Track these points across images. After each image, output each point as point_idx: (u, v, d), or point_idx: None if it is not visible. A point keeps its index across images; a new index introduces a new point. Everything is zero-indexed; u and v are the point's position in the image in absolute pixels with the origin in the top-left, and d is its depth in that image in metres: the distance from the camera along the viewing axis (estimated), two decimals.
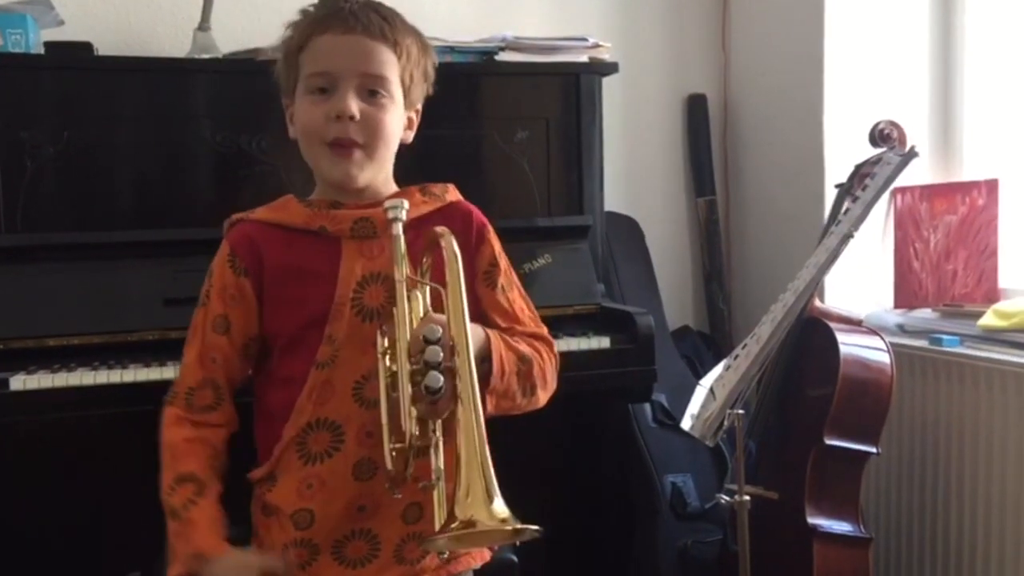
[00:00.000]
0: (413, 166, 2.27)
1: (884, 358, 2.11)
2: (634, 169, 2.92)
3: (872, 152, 2.23)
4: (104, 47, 2.30)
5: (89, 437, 1.98)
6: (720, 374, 1.93)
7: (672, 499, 2.44)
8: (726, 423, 1.84)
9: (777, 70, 2.78)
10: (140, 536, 1.98)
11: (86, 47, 2.18)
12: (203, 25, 2.32)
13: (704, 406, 1.91)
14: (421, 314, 1.29)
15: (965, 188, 2.42)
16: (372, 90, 1.37)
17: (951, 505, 2.26)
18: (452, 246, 1.28)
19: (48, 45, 2.15)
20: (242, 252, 1.39)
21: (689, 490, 2.45)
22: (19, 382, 1.81)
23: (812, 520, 2.06)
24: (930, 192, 2.49)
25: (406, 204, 1.31)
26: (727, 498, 1.92)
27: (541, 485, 2.44)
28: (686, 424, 1.94)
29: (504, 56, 2.36)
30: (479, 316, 1.43)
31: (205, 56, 2.29)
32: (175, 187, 2.16)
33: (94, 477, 2.11)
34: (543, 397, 1.44)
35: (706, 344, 2.92)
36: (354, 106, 1.35)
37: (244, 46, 2.28)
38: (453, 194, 1.50)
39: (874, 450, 2.08)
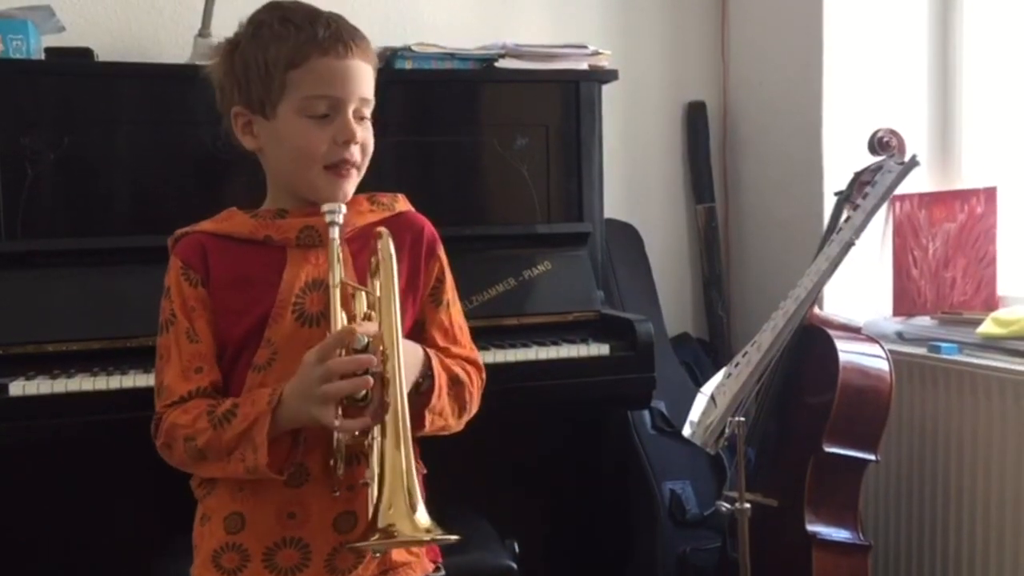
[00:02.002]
0: (413, 172, 2.30)
1: (883, 366, 2.11)
2: (634, 176, 2.93)
3: (871, 160, 2.24)
4: (105, 53, 2.31)
5: (88, 443, 1.98)
6: (721, 381, 1.93)
7: (671, 506, 2.44)
8: (727, 431, 1.84)
9: (776, 77, 2.78)
10: (139, 542, 1.99)
11: (87, 53, 2.19)
12: (203, 31, 2.32)
13: (705, 413, 1.91)
14: (360, 318, 1.30)
15: (964, 196, 2.43)
16: (361, 112, 1.40)
17: (950, 512, 2.26)
18: (388, 247, 1.30)
19: (49, 51, 2.16)
20: (194, 263, 1.39)
21: (688, 497, 2.45)
22: (19, 388, 1.81)
23: (811, 527, 2.06)
24: (929, 200, 2.49)
25: (343, 208, 1.32)
26: (727, 505, 1.91)
27: (541, 491, 2.44)
28: (687, 432, 1.94)
29: (504, 63, 2.36)
30: (420, 330, 1.46)
31: (206, 62, 2.29)
32: (175, 192, 2.16)
33: (93, 483, 2.11)
34: (464, 420, 1.46)
35: (705, 351, 2.92)
36: (359, 131, 1.38)
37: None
38: (403, 204, 1.51)
39: (873, 457, 2.08)
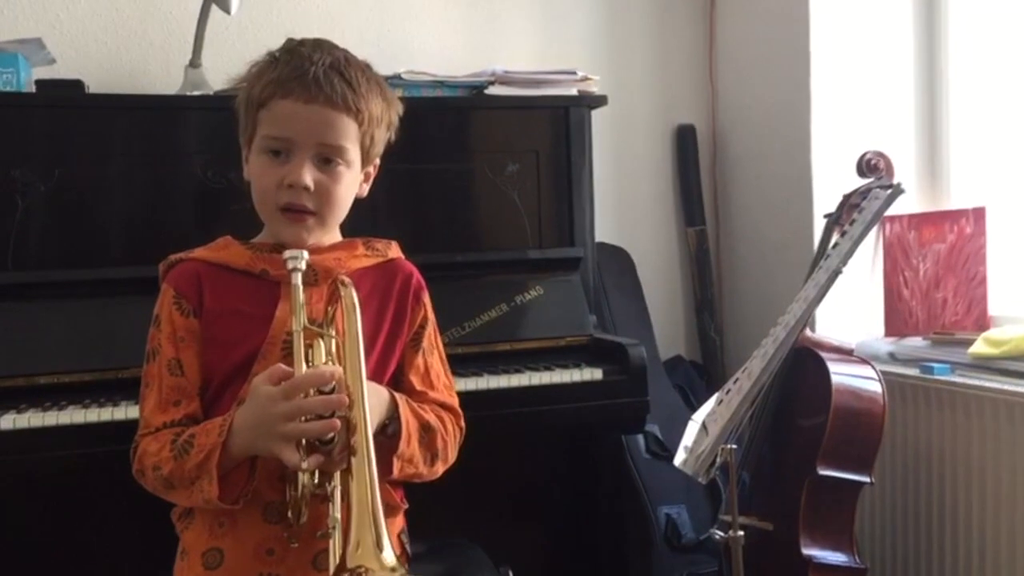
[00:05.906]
0: (405, 200, 2.31)
1: (876, 387, 2.11)
2: (624, 200, 2.94)
3: (860, 182, 2.25)
4: (95, 85, 2.31)
5: (81, 476, 1.96)
6: (712, 409, 1.93)
7: (667, 531, 2.43)
8: (718, 459, 1.83)
9: (765, 100, 2.80)
10: (127, 574, 1.97)
11: (77, 85, 2.19)
12: (194, 62, 2.34)
13: (696, 442, 1.90)
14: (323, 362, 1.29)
15: (953, 216, 2.44)
16: (328, 158, 1.38)
17: (945, 534, 2.25)
18: (351, 298, 1.29)
19: (39, 83, 2.16)
20: (188, 292, 1.39)
21: (684, 521, 2.44)
22: (9, 421, 1.80)
23: (807, 551, 2.05)
24: (918, 221, 2.50)
25: (305, 254, 1.30)
26: (721, 533, 1.90)
27: (535, 517, 2.43)
28: (679, 460, 1.93)
29: (494, 90, 2.38)
30: (398, 375, 1.46)
31: (196, 93, 2.30)
32: (166, 223, 2.16)
33: (85, 516, 2.09)
34: (441, 469, 1.44)
35: (699, 374, 2.92)
36: (308, 177, 1.35)
37: (235, 83, 2.30)
38: (395, 251, 1.52)
39: (868, 479, 2.08)
